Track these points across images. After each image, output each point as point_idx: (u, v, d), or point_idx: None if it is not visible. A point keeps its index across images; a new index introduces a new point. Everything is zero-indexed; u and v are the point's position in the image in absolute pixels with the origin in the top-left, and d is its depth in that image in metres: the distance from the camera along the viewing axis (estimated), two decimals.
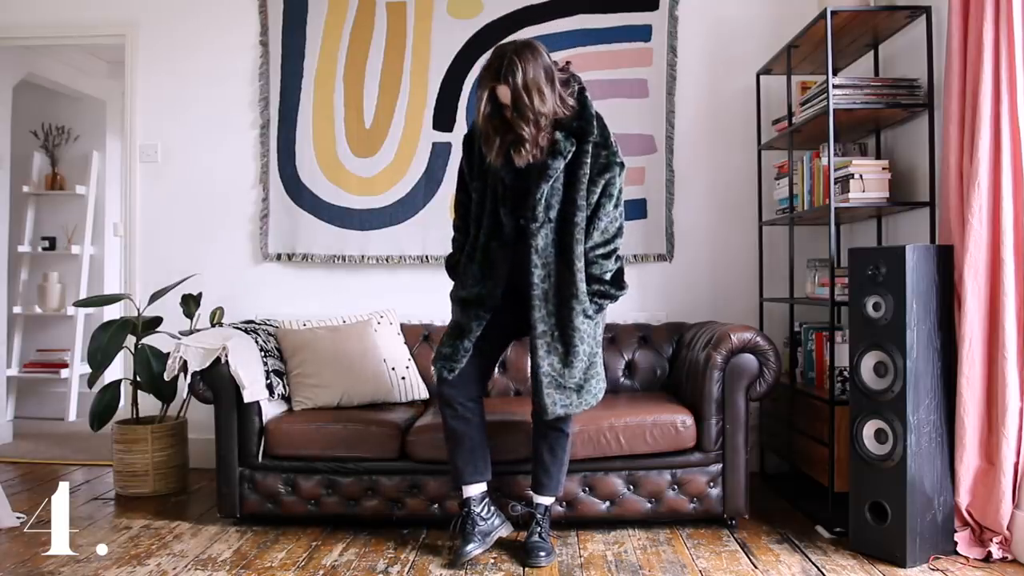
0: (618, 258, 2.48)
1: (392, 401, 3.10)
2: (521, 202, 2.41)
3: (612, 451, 2.70)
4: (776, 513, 2.94)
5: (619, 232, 2.47)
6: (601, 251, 2.43)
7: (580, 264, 2.40)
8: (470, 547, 2.43)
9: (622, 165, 2.43)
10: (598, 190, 2.40)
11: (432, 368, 2.56)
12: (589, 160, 2.38)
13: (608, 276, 2.45)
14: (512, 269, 2.45)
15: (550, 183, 2.37)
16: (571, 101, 2.37)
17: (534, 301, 2.39)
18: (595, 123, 2.40)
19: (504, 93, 2.27)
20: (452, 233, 2.67)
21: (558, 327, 2.40)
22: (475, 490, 2.51)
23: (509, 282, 2.46)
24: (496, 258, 2.46)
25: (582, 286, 2.40)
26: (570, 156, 2.37)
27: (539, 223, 2.37)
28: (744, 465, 2.73)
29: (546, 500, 2.57)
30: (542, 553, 2.45)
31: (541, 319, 2.40)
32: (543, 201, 2.37)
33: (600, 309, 2.47)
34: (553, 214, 2.39)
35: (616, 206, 2.45)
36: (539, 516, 2.55)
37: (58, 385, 5.10)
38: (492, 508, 2.57)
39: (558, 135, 2.36)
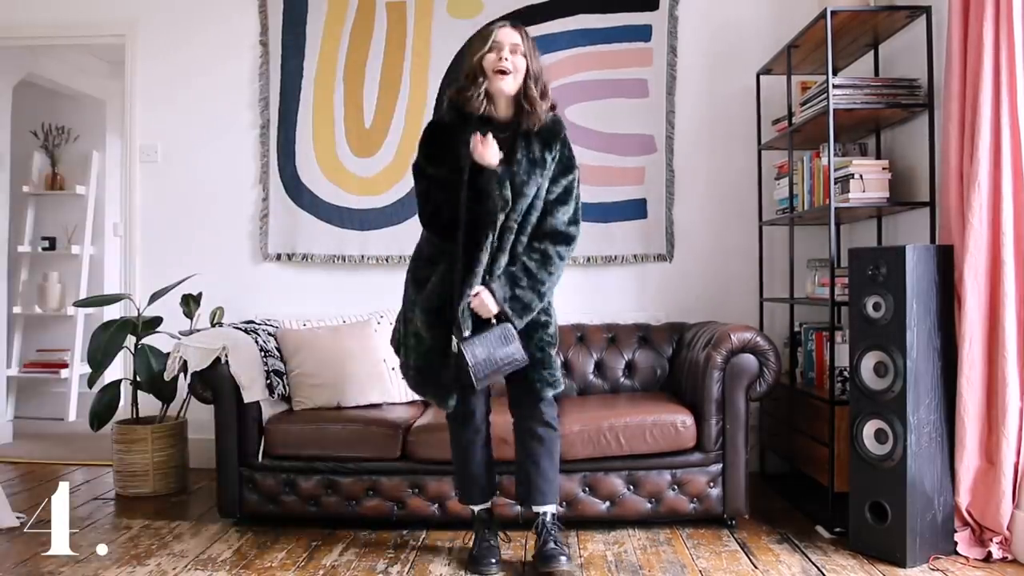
0: (561, 262, 2.40)
1: (392, 401, 3.10)
2: (488, 198, 2.31)
3: (612, 451, 2.70)
4: (776, 513, 2.94)
5: (572, 243, 2.42)
6: (563, 235, 2.39)
7: (522, 248, 2.36)
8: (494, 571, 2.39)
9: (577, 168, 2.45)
10: (558, 189, 2.39)
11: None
12: (557, 157, 2.38)
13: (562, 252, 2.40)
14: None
15: (539, 177, 2.33)
16: (548, 106, 2.38)
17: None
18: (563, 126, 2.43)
19: (512, 35, 2.36)
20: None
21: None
22: (484, 509, 2.50)
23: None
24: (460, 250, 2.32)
25: (519, 261, 2.35)
26: (557, 155, 2.37)
27: (517, 213, 2.32)
28: (744, 465, 2.73)
29: (548, 509, 2.42)
30: (563, 558, 2.33)
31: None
32: (524, 193, 2.32)
33: (540, 266, 2.36)
34: (524, 203, 2.34)
35: (576, 212, 2.42)
36: (548, 524, 2.40)
37: (58, 385, 5.09)
38: (492, 531, 2.51)
39: (552, 129, 2.37)
